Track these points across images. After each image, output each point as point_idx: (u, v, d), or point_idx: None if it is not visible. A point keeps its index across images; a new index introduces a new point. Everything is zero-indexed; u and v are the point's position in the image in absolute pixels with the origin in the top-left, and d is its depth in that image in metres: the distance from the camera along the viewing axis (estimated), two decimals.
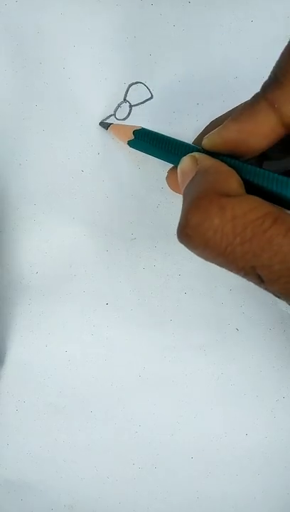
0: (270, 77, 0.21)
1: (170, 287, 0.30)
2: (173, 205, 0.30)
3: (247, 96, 0.29)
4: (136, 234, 0.30)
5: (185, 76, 0.30)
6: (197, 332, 0.30)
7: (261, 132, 0.21)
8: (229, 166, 0.21)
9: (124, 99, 0.30)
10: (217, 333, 0.30)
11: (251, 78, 0.29)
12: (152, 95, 0.30)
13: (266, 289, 0.19)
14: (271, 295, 0.29)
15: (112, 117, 0.30)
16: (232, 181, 0.20)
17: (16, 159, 0.30)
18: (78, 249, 0.30)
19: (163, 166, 0.30)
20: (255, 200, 0.19)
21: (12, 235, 0.30)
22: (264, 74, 0.29)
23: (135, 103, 0.30)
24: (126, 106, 0.30)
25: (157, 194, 0.30)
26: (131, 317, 0.30)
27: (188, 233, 0.19)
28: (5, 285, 0.31)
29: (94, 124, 0.30)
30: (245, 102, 0.22)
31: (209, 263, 0.29)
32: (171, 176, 0.27)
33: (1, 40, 0.30)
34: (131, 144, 0.28)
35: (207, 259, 0.20)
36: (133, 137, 0.27)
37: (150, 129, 0.28)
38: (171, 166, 0.26)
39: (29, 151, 0.30)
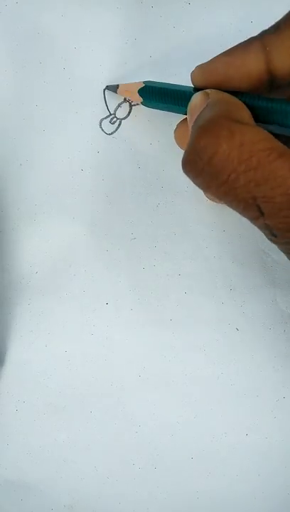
0: (271, 25, 0.22)
1: (170, 287, 0.30)
2: (173, 205, 0.30)
3: None
4: (136, 234, 0.30)
5: (185, 76, 0.30)
6: (197, 332, 0.30)
7: (247, 71, 0.21)
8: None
9: (125, 99, 0.30)
10: (217, 333, 0.30)
11: None
12: None
13: (263, 225, 0.19)
14: (270, 295, 0.30)
15: (116, 119, 0.30)
16: (243, 111, 0.20)
17: (17, 159, 0.30)
18: (78, 248, 0.30)
19: (163, 165, 0.30)
20: (264, 132, 0.19)
21: (12, 235, 0.30)
22: None
23: (135, 103, 0.30)
24: (126, 106, 0.30)
25: (157, 193, 0.30)
26: (131, 317, 0.30)
27: (194, 159, 0.19)
28: (5, 285, 0.31)
29: (94, 124, 0.30)
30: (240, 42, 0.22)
31: (209, 263, 0.30)
32: (180, 129, 0.26)
33: (1, 40, 0.30)
34: (140, 92, 0.27)
35: (208, 188, 0.19)
36: (143, 85, 0.27)
37: (151, 128, 0.28)
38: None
39: (29, 151, 0.30)
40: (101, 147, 0.30)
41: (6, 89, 0.30)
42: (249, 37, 0.29)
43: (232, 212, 0.30)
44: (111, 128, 0.30)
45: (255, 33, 0.29)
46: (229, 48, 0.22)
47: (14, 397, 0.30)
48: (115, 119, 0.30)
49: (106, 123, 0.30)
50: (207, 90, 0.22)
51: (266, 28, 0.22)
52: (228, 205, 0.20)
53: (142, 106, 0.29)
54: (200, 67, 0.23)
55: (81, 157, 0.30)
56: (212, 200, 0.28)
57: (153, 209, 0.30)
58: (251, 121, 0.20)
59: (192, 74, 0.23)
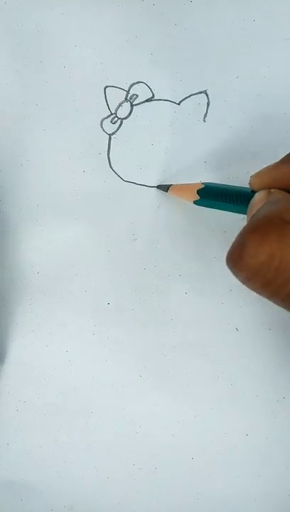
0: None
1: (171, 287, 0.30)
2: (174, 206, 0.30)
3: (249, 95, 0.29)
4: (137, 234, 0.30)
5: (186, 75, 0.30)
6: (198, 332, 0.30)
7: None
8: None
9: (126, 99, 0.30)
10: (217, 333, 0.30)
11: (253, 77, 0.30)
12: (153, 94, 0.30)
13: None
14: None
15: (117, 119, 0.30)
16: None
17: (18, 160, 0.30)
18: (79, 249, 0.30)
19: (164, 166, 0.30)
20: None
21: (14, 235, 0.30)
22: (266, 73, 0.29)
23: (136, 102, 0.30)
24: (127, 105, 0.30)
25: (158, 194, 0.30)
26: (132, 317, 0.30)
27: (241, 254, 0.18)
28: (6, 285, 0.31)
29: (95, 123, 0.30)
30: None
31: (209, 264, 0.30)
32: None
33: (1, 39, 0.30)
34: (198, 203, 0.27)
35: (255, 287, 0.19)
36: (198, 197, 0.27)
37: (152, 128, 0.28)
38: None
39: (30, 151, 0.30)
40: (102, 147, 0.30)
41: (7, 89, 0.30)
42: (250, 36, 0.29)
43: (232, 215, 0.30)
44: (112, 128, 0.30)
45: (257, 32, 0.29)
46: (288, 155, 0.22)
47: (15, 397, 0.30)
48: (116, 118, 0.30)
49: (107, 123, 0.30)
50: (271, 189, 0.22)
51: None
52: (277, 304, 0.19)
53: (142, 107, 0.29)
54: (259, 176, 0.22)
55: (82, 158, 0.30)
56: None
57: (154, 210, 0.30)
58: None
59: (251, 183, 0.23)
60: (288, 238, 0.17)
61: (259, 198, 0.22)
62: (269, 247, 0.17)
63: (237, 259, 0.18)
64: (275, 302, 0.19)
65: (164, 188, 0.29)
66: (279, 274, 0.17)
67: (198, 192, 0.27)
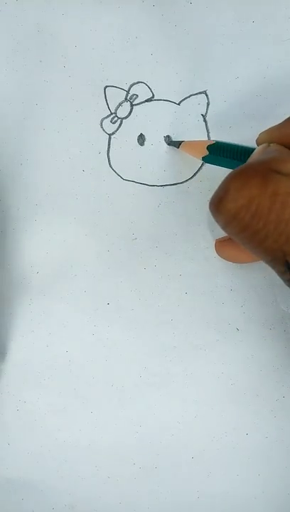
0: None
1: (171, 287, 0.30)
2: (175, 205, 0.30)
3: (248, 95, 0.29)
4: (137, 234, 0.30)
5: (186, 76, 0.30)
6: (198, 332, 0.30)
7: None
8: None
9: (126, 99, 0.30)
10: (218, 333, 0.30)
11: (252, 78, 0.30)
12: (153, 94, 0.30)
13: (288, 281, 0.18)
14: (271, 295, 0.30)
15: (117, 119, 0.30)
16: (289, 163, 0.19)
17: (17, 159, 0.30)
18: (79, 249, 0.30)
19: (164, 165, 0.30)
20: None
21: (13, 235, 0.30)
22: (265, 74, 0.29)
23: (136, 102, 0.30)
24: (127, 105, 0.30)
25: (158, 194, 0.30)
26: (132, 317, 0.30)
27: (222, 198, 0.18)
28: (6, 285, 0.31)
29: (95, 123, 0.30)
30: None
31: (209, 263, 0.30)
32: None
33: (1, 39, 0.30)
34: (205, 159, 0.27)
35: (234, 232, 0.18)
36: (207, 153, 0.26)
37: (154, 129, 0.28)
38: None
39: (30, 150, 0.30)
40: (102, 147, 0.30)
41: (6, 88, 0.30)
42: (249, 37, 0.29)
43: None
44: (112, 128, 0.30)
45: (256, 33, 0.29)
46: None
47: (15, 396, 0.30)
48: (116, 118, 0.30)
49: (107, 122, 0.30)
50: (271, 144, 0.22)
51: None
52: (253, 253, 0.19)
53: (142, 107, 0.29)
54: (266, 132, 0.22)
55: (82, 157, 0.30)
56: (226, 259, 0.28)
57: (154, 209, 0.30)
58: None
59: (258, 139, 0.23)
60: (270, 185, 0.17)
61: (257, 150, 0.22)
62: (248, 192, 0.17)
63: (218, 203, 0.18)
64: (251, 251, 0.19)
65: (175, 144, 0.29)
66: (255, 220, 0.18)
67: (208, 148, 0.26)
